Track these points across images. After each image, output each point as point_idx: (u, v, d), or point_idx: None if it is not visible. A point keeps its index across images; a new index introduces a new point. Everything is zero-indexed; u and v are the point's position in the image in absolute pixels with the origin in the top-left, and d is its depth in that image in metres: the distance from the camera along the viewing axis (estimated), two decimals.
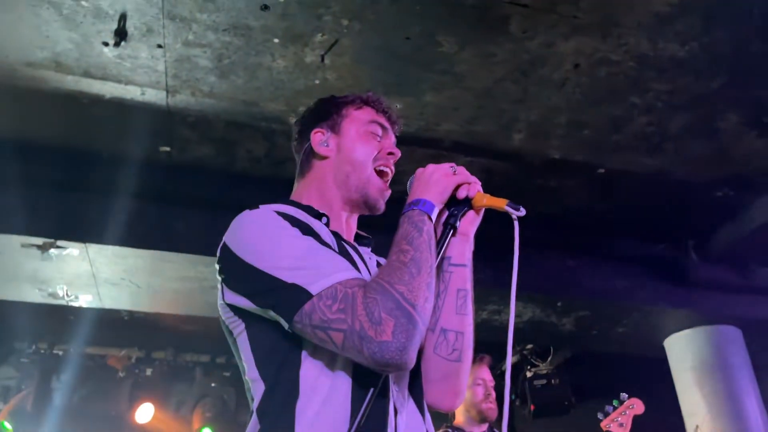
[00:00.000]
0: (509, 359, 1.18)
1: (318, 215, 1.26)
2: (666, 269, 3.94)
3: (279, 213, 1.18)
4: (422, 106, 2.98)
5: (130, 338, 5.52)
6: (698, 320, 4.09)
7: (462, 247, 1.31)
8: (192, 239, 3.43)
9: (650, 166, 3.37)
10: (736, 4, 2.48)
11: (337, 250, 1.17)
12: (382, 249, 1.45)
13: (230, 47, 2.65)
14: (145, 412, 5.39)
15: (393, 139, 1.39)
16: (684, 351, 4.17)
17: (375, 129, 1.35)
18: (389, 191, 1.34)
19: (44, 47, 2.64)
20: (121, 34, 2.57)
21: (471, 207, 1.27)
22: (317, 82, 2.84)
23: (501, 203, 1.24)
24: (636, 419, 2.94)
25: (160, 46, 2.64)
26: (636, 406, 2.86)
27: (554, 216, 3.70)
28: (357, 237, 1.39)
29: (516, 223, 1.22)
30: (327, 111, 1.40)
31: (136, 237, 3.33)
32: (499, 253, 3.71)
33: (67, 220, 3.23)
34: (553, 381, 4.95)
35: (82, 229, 3.25)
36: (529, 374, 5.07)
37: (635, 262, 3.93)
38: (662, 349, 4.35)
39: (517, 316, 4.00)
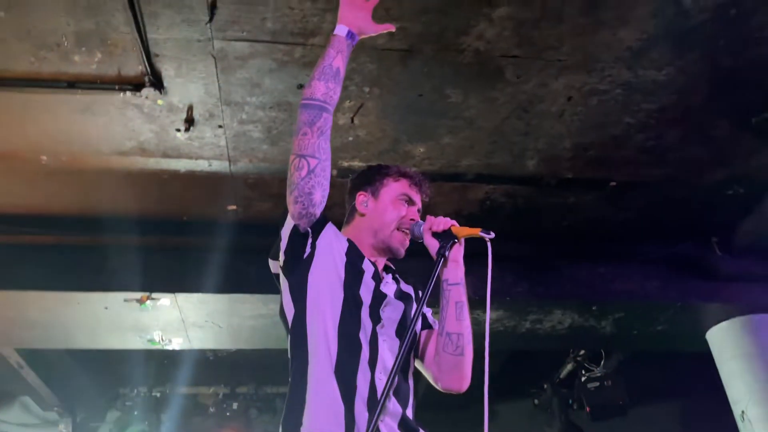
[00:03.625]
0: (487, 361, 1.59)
1: (352, 242, 1.81)
2: (694, 266, 4.21)
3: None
4: (442, 148, 3.46)
5: (217, 376, 6.15)
6: (733, 312, 4.31)
7: (454, 271, 1.77)
8: (262, 281, 3.92)
9: (658, 174, 3.71)
10: (700, 30, 2.85)
11: (348, 250, 1.76)
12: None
13: (276, 120, 3.22)
14: None
15: (419, 206, 1.90)
16: (724, 342, 4.39)
17: (404, 199, 1.88)
18: (408, 242, 1.85)
19: (131, 138, 3.29)
20: (189, 121, 3.19)
21: (455, 239, 1.72)
22: (350, 138, 3.37)
23: (475, 231, 1.71)
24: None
25: (220, 126, 3.24)
26: None
27: (579, 228, 4.07)
28: (385, 266, 1.91)
29: (489, 245, 1.66)
30: (372, 178, 1.94)
31: (215, 284, 3.92)
32: (531, 268, 4.14)
33: (159, 275, 3.86)
34: (606, 383, 5.21)
35: (171, 281, 3.88)
36: (583, 378, 5.34)
37: (663, 263, 4.22)
38: (705, 342, 4.57)
39: (558, 323, 4.39)
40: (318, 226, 1.75)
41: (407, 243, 1.86)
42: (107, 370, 5.88)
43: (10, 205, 3.73)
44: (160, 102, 3.04)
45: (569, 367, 5.52)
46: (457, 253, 1.77)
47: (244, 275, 3.96)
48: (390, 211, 1.85)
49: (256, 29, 2.71)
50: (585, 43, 2.89)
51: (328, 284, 1.72)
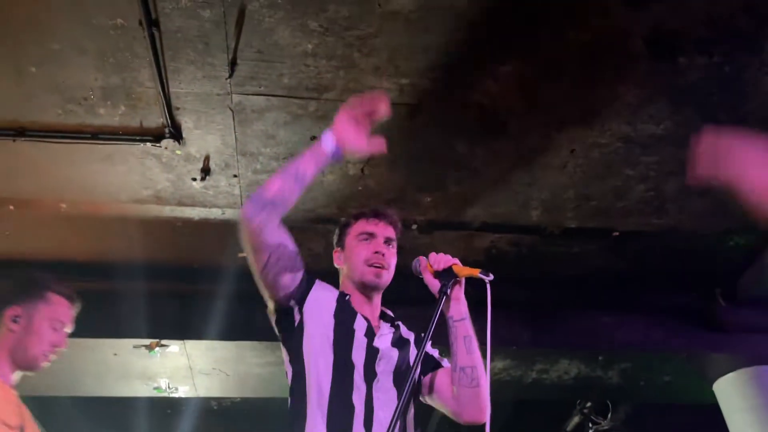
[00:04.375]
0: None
1: (343, 295, 1.89)
2: (698, 317, 4.25)
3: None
4: (449, 197, 3.57)
5: (220, 426, 6.09)
6: (740, 363, 4.31)
7: (458, 307, 1.84)
8: (269, 329, 4.04)
9: (659, 225, 3.80)
10: (695, 87, 2.99)
11: (336, 310, 1.84)
12: (409, 320, 2.03)
13: None
14: None
15: (383, 235, 1.96)
16: (732, 394, 4.37)
17: (363, 237, 1.96)
18: (385, 272, 1.91)
19: (148, 187, 3.40)
20: (205, 171, 3.31)
21: (456, 278, 1.80)
22: (360, 188, 3.49)
23: (475, 271, 1.77)
24: None
25: (235, 176, 3.36)
26: None
27: (582, 278, 4.14)
28: (382, 314, 1.97)
29: (488, 286, 1.71)
30: (339, 232, 2.07)
31: (223, 331, 3.96)
32: (537, 317, 4.17)
33: (168, 322, 3.92)
34: None
35: (180, 328, 3.93)
36: (590, 431, 5.29)
37: (666, 313, 4.26)
38: (713, 394, 4.55)
39: (564, 373, 4.40)
40: (300, 295, 1.85)
41: (383, 274, 1.90)
42: (110, 418, 5.84)
43: (25, 251, 3.81)
44: (178, 152, 3.17)
45: (576, 419, 5.46)
46: (459, 291, 1.83)
47: (251, 323, 3.99)
48: (354, 253, 1.94)
49: (273, 84, 2.86)
50: (585, 98, 3.03)
51: (321, 348, 1.79)
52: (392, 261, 1.94)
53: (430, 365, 1.92)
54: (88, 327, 3.85)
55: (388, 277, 1.92)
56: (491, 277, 1.71)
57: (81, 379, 4.30)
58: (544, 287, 4.21)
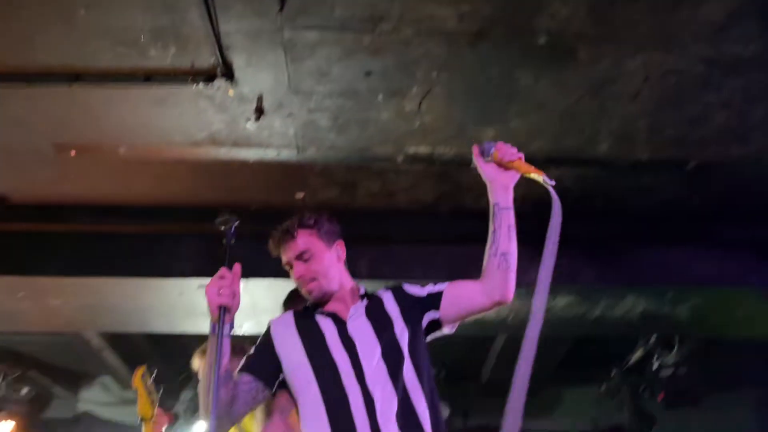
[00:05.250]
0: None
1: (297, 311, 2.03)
2: None
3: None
4: (511, 132, 3.38)
5: None
6: None
7: (506, 196, 1.88)
8: None
9: (740, 154, 3.53)
10: None
11: (297, 326, 1.95)
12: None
13: (344, 108, 3.23)
14: None
15: (293, 256, 2.01)
16: None
17: (285, 267, 2.04)
18: (315, 284, 1.96)
19: (203, 129, 3.36)
20: (259, 111, 3.23)
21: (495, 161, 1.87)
22: (417, 124, 3.35)
23: (539, 173, 1.76)
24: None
25: (289, 116, 3.27)
26: None
27: (651, 212, 3.93)
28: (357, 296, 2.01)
29: (552, 189, 1.68)
30: None
31: (282, 269, 3.99)
32: (602, 253, 4.03)
33: (230, 262, 3.96)
34: (680, 371, 5.05)
35: (243, 267, 3.96)
36: (655, 366, 5.19)
37: (742, 247, 4.03)
38: None
39: (628, 310, 4.27)
40: (276, 371, 1.89)
41: (314, 288, 1.95)
42: (180, 353, 6.10)
43: (89, 196, 3.89)
44: (231, 93, 3.09)
45: (640, 353, 5.36)
46: (510, 180, 1.88)
47: None
48: None
49: (325, 18, 2.71)
50: (664, 21, 2.76)
51: (305, 380, 1.82)
52: (315, 267, 1.96)
53: (431, 304, 1.94)
54: (154, 268, 3.99)
55: (320, 284, 1.95)
56: (554, 182, 1.71)
57: (150, 318, 4.46)
58: (611, 222, 4.03)
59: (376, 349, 1.82)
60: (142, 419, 3.07)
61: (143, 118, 3.27)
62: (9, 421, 5.70)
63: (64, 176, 3.73)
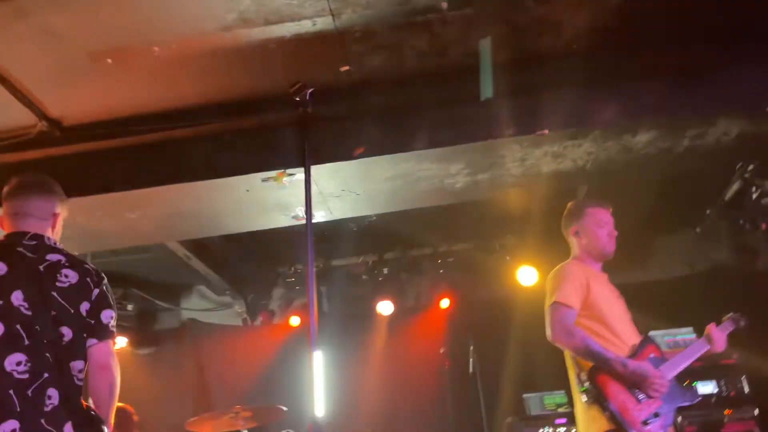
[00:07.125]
0: None
1: None
2: None
3: None
4: None
5: (363, 246, 6.35)
6: None
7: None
8: (386, 142, 3.87)
9: None
10: None
11: None
12: None
13: None
14: (385, 308, 6.33)
15: None
16: None
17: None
18: None
19: (231, 10, 3.15)
20: None
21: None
22: None
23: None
24: None
25: None
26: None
27: (742, 27, 3.44)
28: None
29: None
30: None
31: (342, 151, 3.86)
32: (687, 77, 3.61)
33: (288, 151, 3.86)
34: None
35: (301, 154, 3.85)
36: (755, 195, 4.79)
37: None
38: None
39: (723, 134, 3.86)
40: None
41: None
42: (264, 252, 6.27)
43: (136, 106, 3.83)
44: None
45: (736, 185, 4.95)
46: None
47: (368, 138, 3.85)
48: None
49: None
50: None
51: None
52: None
53: None
54: (216, 168, 3.95)
55: None
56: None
57: (222, 219, 4.50)
58: (693, 43, 3.57)
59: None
60: None
61: (170, 8, 3.10)
62: (121, 337, 6.13)
63: (108, 89, 3.66)
